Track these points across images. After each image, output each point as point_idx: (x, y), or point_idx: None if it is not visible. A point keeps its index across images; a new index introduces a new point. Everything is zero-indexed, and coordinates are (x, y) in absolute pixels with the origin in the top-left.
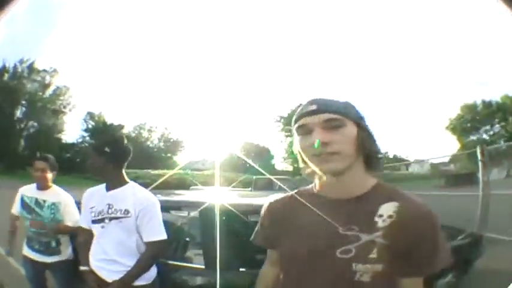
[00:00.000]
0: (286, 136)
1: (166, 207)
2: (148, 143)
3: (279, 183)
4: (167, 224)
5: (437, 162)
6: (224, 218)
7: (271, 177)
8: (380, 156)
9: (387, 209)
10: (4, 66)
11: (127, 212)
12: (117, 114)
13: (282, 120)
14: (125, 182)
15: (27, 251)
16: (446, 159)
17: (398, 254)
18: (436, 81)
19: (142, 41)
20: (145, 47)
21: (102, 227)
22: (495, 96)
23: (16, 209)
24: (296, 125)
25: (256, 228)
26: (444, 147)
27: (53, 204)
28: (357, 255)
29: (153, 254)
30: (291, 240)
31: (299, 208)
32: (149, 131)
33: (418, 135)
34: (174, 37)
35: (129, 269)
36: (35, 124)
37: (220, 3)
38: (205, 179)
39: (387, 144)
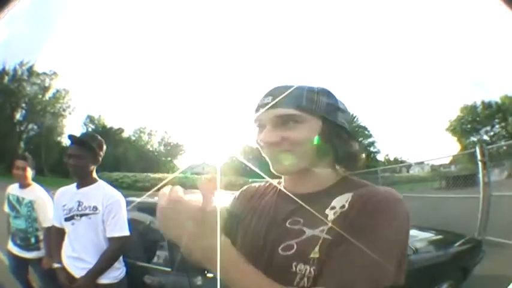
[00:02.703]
0: None
1: (145, 209)
2: (149, 146)
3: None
4: (138, 224)
5: (437, 164)
6: None
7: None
8: (354, 155)
9: (340, 200)
10: (4, 69)
11: (95, 208)
12: (117, 118)
13: None
14: (96, 180)
15: (10, 246)
16: (447, 161)
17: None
18: (435, 82)
19: (142, 44)
20: (145, 51)
21: (73, 224)
22: (495, 96)
23: (5, 206)
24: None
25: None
26: (445, 149)
27: (30, 201)
28: (297, 253)
29: (115, 250)
30: (241, 230)
31: (261, 199)
32: (149, 134)
33: (419, 137)
34: (174, 41)
35: (90, 266)
36: (35, 127)
37: (220, 7)
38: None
39: (388, 147)
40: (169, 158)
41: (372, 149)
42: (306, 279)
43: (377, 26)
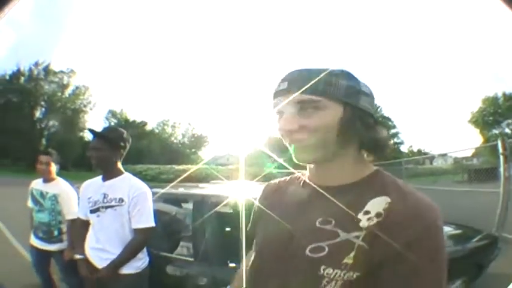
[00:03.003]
0: None
1: (171, 200)
2: (172, 138)
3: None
4: (163, 215)
5: (460, 156)
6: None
7: (293, 170)
8: (380, 141)
9: (376, 205)
10: (19, 70)
11: (121, 200)
12: (140, 111)
13: None
14: (121, 173)
15: (33, 240)
16: (470, 154)
17: (379, 265)
18: (458, 73)
19: (164, 37)
20: (167, 43)
21: (98, 216)
22: None
23: (28, 201)
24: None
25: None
26: (467, 142)
27: (54, 195)
28: (328, 256)
29: (139, 241)
30: (266, 228)
31: (284, 194)
32: (173, 126)
33: (442, 129)
34: (197, 32)
35: (113, 257)
36: (56, 124)
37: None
38: (230, 174)
39: (411, 138)
40: (193, 150)
41: (395, 140)
42: (333, 282)
43: (402, 18)
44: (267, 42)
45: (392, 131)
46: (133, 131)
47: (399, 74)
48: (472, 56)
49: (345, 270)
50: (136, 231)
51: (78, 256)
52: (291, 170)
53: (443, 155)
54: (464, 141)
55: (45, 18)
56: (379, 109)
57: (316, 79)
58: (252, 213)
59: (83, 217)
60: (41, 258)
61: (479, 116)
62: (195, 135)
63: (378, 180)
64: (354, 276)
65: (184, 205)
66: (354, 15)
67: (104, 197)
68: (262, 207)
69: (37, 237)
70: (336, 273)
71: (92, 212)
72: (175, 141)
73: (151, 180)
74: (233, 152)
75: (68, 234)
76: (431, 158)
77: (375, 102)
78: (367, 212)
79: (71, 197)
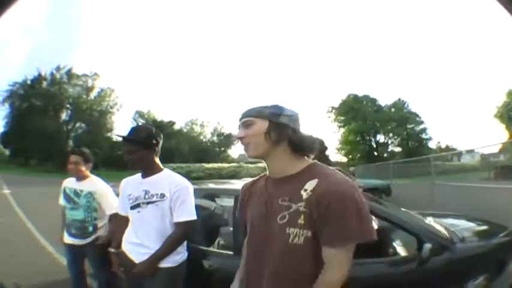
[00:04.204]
0: (339, 127)
1: (208, 195)
2: (201, 137)
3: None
4: (202, 210)
5: (487, 152)
6: None
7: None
8: (304, 143)
9: (310, 185)
10: (40, 75)
11: (163, 195)
12: (167, 111)
13: (334, 110)
14: (161, 169)
15: (66, 238)
16: (496, 149)
17: (318, 223)
18: (482, 67)
19: (190, 36)
20: (192, 42)
21: (138, 211)
22: None
23: (60, 200)
24: None
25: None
26: (494, 137)
27: (89, 193)
28: (289, 221)
29: (181, 234)
30: (250, 210)
31: (257, 186)
32: (201, 125)
33: (469, 125)
34: (222, 32)
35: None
36: (83, 125)
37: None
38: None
39: (439, 133)
40: (222, 148)
41: (423, 135)
42: (297, 238)
43: (430, 17)
44: (293, 43)
45: (420, 126)
46: (162, 131)
47: (426, 71)
48: (497, 50)
49: (302, 229)
50: (178, 225)
51: (111, 250)
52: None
53: (471, 151)
54: (490, 137)
55: (63, 22)
56: (405, 104)
57: (251, 108)
58: (239, 203)
59: (122, 213)
60: (75, 255)
61: (504, 110)
62: (224, 134)
63: (312, 169)
64: (309, 234)
65: (220, 201)
66: (384, 13)
67: (145, 193)
68: (245, 198)
69: (70, 234)
70: (296, 231)
71: (132, 208)
72: (204, 140)
73: None
74: None
75: (109, 228)
76: (459, 154)
77: (300, 121)
78: (305, 190)
79: (108, 192)
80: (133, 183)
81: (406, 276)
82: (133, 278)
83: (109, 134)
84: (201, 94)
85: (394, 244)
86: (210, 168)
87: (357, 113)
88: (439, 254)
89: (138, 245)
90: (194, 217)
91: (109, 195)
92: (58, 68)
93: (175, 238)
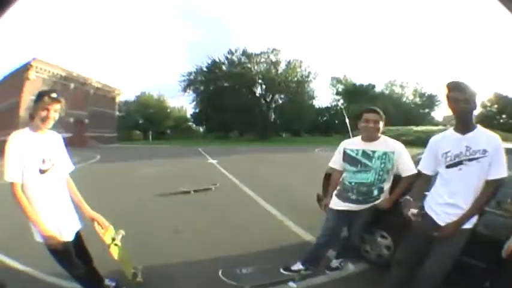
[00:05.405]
0: None
1: None
2: (404, 99)
3: None
4: None
5: None
6: None
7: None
8: None
9: None
10: (214, 61)
11: (485, 151)
12: (362, 75)
13: None
14: (475, 126)
15: (337, 204)
16: None
17: None
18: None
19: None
20: (377, 5)
21: (460, 169)
22: None
23: (336, 164)
24: None
25: None
26: None
27: (384, 153)
28: None
29: (492, 192)
30: None
31: None
32: (401, 86)
33: None
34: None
35: (463, 212)
36: (282, 96)
37: None
38: None
39: None
40: (426, 110)
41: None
42: None
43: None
44: None
45: None
46: (363, 95)
47: None
48: None
49: None
50: (491, 183)
51: (415, 212)
52: None
53: None
54: None
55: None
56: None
57: None
58: None
59: (428, 172)
60: (342, 221)
61: None
62: (426, 94)
63: None
64: None
65: None
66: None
67: (467, 150)
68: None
69: (348, 200)
70: None
71: (450, 166)
72: (407, 101)
73: None
74: None
75: (414, 189)
76: None
77: None
78: None
79: (406, 153)
80: (449, 139)
81: None
82: (428, 241)
83: (312, 102)
84: (396, 54)
85: None
86: (419, 131)
87: None
88: None
89: (450, 205)
90: (506, 174)
91: (407, 155)
92: (231, 52)
93: (486, 197)
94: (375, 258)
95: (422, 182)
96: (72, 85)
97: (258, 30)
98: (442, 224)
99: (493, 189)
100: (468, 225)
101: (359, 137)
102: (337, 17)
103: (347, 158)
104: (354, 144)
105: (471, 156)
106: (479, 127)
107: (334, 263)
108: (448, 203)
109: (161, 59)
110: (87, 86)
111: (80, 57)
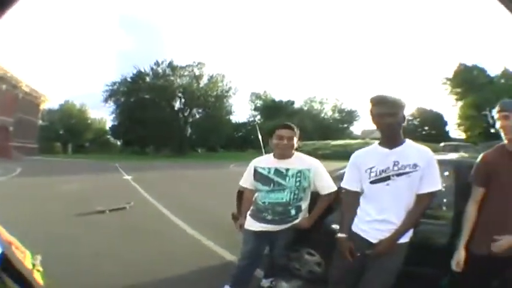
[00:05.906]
0: (456, 100)
1: None
2: (323, 115)
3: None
4: None
5: None
6: None
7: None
8: None
9: None
10: (139, 71)
11: (415, 166)
12: (283, 91)
13: (449, 82)
14: (404, 140)
15: (253, 225)
16: None
17: None
18: None
19: (300, 18)
20: (301, 22)
21: (387, 184)
22: None
23: (247, 182)
24: None
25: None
26: None
27: (299, 171)
28: None
29: (425, 206)
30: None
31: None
32: (320, 103)
33: None
34: (334, 14)
35: (396, 227)
36: (200, 110)
37: None
38: None
39: None
40: (345, 125)
41: None
42: None
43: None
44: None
45: None
46: (282, 111)
47: None
48: None
49: None
50: (423, 196)
51: (341, 235)
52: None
53: None
54: None
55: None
56: None
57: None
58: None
59: (352, 188)
60: (262, 242)
61: None
62: (345, 110)
63: None
64: None
65: None
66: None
67: (394, 165)
68: None
69: (264, 220)
70: None
71: (375, 182)
72: (325, 117)
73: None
74: None
75: (345, 208)
76: None
77: None
78: None
79: (323, 170)
80: (373, 154)
81: None
82: (362, 259)
83: (228, 117)
84: (316, 71)
85: None
86: (336, 145)
87: (471, 84)
88: None
89: (381, 221)
90: (439, 187)
91: (325, 173)
92: (157, 63)
93: (419, 211)
94: (306, 275)
95: (351, 199)
96: (4, 86)
97: (187, 42)
98: (373, 241)
99: (426, 203)
100: (405, 239)
101: (271, 155)
102: (264, 32)
103: (258, 176)
104: (265, 162)
105: (400, 171)
106: (407, 141)
107: (265, 283)
108: (376, 220)
109: (90, 66)
110: (17, 90)
111: (11, 57)
